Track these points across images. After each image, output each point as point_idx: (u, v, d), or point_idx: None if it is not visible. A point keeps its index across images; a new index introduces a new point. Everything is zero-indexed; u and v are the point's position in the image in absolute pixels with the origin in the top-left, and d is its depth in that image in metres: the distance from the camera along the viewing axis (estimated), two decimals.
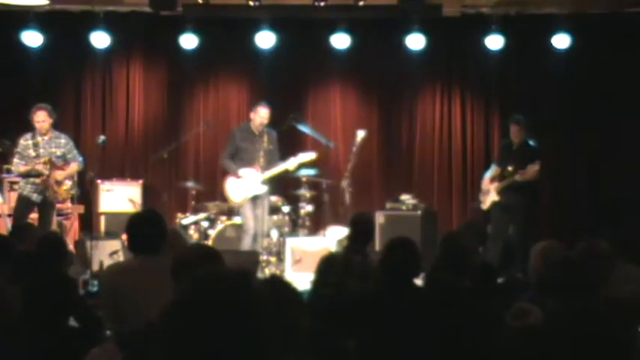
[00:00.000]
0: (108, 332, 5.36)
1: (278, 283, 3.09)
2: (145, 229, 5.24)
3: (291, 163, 10.63)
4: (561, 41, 11.86)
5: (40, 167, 10.02)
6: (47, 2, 11.44)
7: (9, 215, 10.57)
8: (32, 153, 10.07)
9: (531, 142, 10.75)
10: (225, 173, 10.95)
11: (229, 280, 2.30)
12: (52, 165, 10.07)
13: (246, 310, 2.23)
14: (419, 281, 5.33)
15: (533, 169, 10.30)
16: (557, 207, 12.39)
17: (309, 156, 10.77)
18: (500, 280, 6.72)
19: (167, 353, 2.26)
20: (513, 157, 10.63)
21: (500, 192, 10.65)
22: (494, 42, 11.90)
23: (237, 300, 2.24)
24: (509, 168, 10.55)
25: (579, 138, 12.35)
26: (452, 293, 4.79)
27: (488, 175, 10.98)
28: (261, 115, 10.67)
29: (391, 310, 4.80)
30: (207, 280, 2.32)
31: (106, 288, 5.40)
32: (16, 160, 10.18)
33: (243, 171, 10.54)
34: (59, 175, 10.12)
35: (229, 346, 2.19)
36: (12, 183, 11.04)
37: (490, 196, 10.79)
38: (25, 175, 10.14)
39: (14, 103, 11.59)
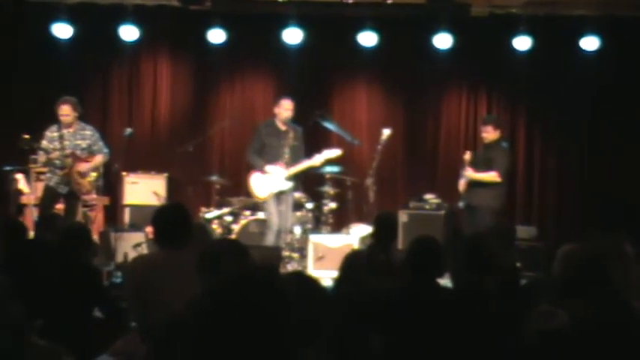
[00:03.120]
0: (133, 324, 5.40)
1: (304, 278, 3.11)
2: (172, 223, 5.25)
3: (316, 160, 10.61)
4: (590, 43, 11.82)
5: (60, 158, 10.05)
6: None
7: (35, 205, 10.66)
8: (57, 145, 10.11)
9: (503, 144, 10.77)
10: (250, 168, 10.97)
11: (258, 276, 2.32)
12: (75, 158, 10.12)
13: (273, 305, 2.25)
14: (443, 281, 5.33)
15: (487, 177, 10.32)
16: (585, 207, 12.34)
17: (335, 152, 10.74)
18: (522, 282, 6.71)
19: (194, 345, 2.28)
20: (478, 159, 10.63)
21: (466, 192, 10.62)
22: (523, 43, 11.85)
23: (265, 295, 2.26)
24: (465, 157, 10.60)
25: (607, 139, 12.29)
26: (475, 294, 4.78)
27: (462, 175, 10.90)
28: (285, 107, 10.63)
29: (414, 310, 4.80)
30: (236, 274, 2.34)
31: (131, 280, 5.42)
32: (40, 151, 10.26)
33: (269, 167, 10.55)
34: (82, 167, 10.16)
35: (255, 339, 2.21)
36: (39, 173, 11.12)
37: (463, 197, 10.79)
38: (48, 165, 10.21)
39: (44, 95, 11.65)
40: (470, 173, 10.48)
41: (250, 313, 2.21)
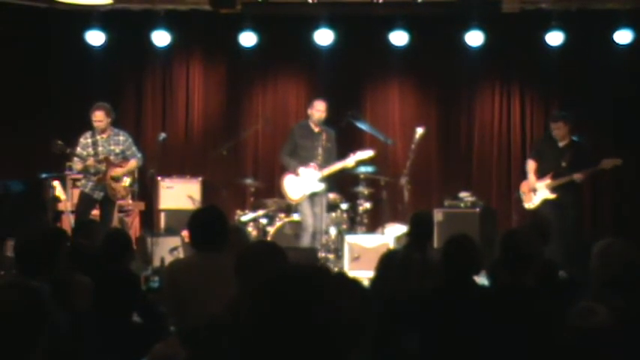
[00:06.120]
0: (172, 328, 5.42)
1: (346, 279, 3.10)
2: (207, 225, 5.27)
3: (349, 161, 10.60)
4: (623, 37, 11.71)
5: (94, 164, 10.09)
6: (111, 1, 11.60)
7: (72, 212, 10.74)
8: (91, 151, 10.16)
9: (576, 139, 10.64)
10: (283, 170, 10.99)
11: (301, 277, 2.32)
12: (109, 163, 10.17)
13: (317, 306, 2.24)
14: (479, 279, 5.32)
15: (613, 163, 10.25)
16: (620, 204, 12.23)
17: (367, 154, 10.71)
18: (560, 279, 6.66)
19: (237, 347, 2.28)
20: (565, 155, 10.48)
21: (554, 189, 10.50)
22: (555, 38, 11.78)
23: (308, 296, 2.25)
24: (564, 164, 10.44)
25: None
26: (513, 292, 4.76)
27: (531, 171, 10.81)
28: (318, 108, 10.63)
29: (452, 308, 4.79)
30: (279, 275, 2.34)
31: (168, 284, 5.45)
32: (75, 158, 10.33)
33: (302, 170, 10.54)
34: (116, 172, 10.19)
35: (300, 341, 2.21)
36: (75, 180, 11.22)
37: (539, 193, 10.62)
38: (83, 173, 10.28)
39: (78, 102, 11.73)
40: (578, 177, 10.37)
41: (291, 313, 2.21)
